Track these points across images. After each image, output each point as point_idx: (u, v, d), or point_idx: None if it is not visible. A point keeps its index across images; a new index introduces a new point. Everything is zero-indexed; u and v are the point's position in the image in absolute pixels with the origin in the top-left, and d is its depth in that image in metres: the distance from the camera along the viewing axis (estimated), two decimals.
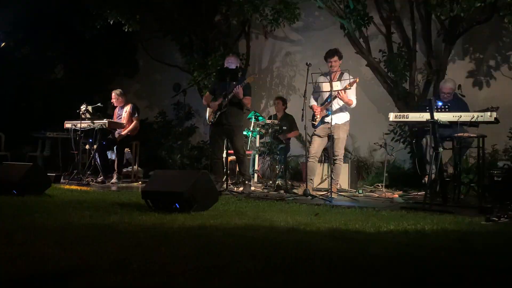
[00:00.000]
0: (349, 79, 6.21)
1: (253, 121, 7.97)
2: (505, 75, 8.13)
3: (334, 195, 5.99)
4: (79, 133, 7.87)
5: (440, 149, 5.04)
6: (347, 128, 6.49)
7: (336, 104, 6.37)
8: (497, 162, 6.70)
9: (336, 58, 6.42)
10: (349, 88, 6.17)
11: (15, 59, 10.85)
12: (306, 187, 6.22)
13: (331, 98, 6.24)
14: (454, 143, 5.61)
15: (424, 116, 5.28)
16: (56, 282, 2.04)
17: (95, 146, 7.88)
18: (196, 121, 11.57)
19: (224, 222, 3.70)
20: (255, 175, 7.91)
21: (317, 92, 6.53)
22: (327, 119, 6.35)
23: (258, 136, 8.01)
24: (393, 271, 2.29)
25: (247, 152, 7.67)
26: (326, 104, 6.41)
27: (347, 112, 6.46)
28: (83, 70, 11.78)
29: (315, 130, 6.59)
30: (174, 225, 3.54)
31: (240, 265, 2.37)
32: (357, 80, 6.22)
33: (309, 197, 5.93)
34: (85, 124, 7.82)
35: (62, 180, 7.68)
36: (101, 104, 8.24)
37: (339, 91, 6.18)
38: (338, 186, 6.77)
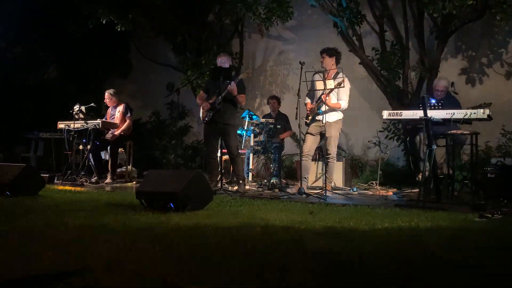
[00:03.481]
0: (343, 78, 6.21)
1: (247, 120, 7.97)
2: (498, 72, 8.17)
3: (328, 193, 6.00)
4: (72, 133, 7.85)
5: (434, 147, 5.05)
6: (339, 126, 6.48)
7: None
8: (491, 159, 6.73)
9: (324, 55, 6.41)
10: (342, 87, 6.15)
11: (7, 60, 10.79)
12: (301, 185, 6.23)
13: (321, 99, 6.25)
14: (447, 141, 5.63)
15: (418, 114, 5.30)
16: (51, 283, 2.03)
17: (88, 146, 7.85)
18: (190, 120, 11.55)
19: (218, 221, 3.69)
20: (250, 174, 7.91)
21: (311, 90, 6.52)
22: (319, 117, 6.36)
23: (252, 135, 8.01)
24: (387, 268, 2.30)
25: (241, 151, 7.67)
26: (318, 102, 6.41)
27: (339, 111, 6.45)
28: (76, 70, 11.73)
29: (307, 129, 6.59)
30: (169, 225, 3.53)
31: (235, 264, 2.37)
32: (345, 78, 6.18)
33: (304, 195, 5.93)
34: (78, 124, 7.79)
35: (55, 181, 7.65)
36: (94, 104, 8.22)
37: (323, 96, 6.17)
38: (332, 184, 6.78)
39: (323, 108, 6.28)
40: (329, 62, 6.39)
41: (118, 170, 8.63)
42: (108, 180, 7.89)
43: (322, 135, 6.42)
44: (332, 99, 6.30)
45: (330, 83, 6.20)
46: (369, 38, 8.72)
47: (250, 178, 7.88)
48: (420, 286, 2.07)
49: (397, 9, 8.46)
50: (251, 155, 7.87)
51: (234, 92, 6.43)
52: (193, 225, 3.48)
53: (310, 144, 6.52)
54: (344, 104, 6.32)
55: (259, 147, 7.55)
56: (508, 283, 2.16)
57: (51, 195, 5.52)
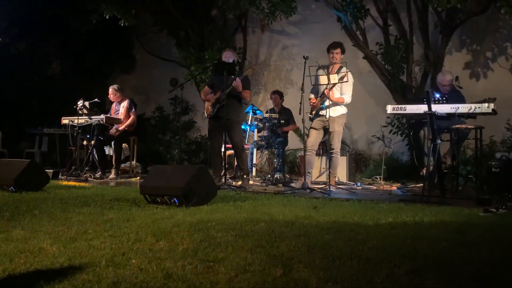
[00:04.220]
0: (346, 72, 6.19)
1: (250, 115, 7.97)
2: (502, 67, 8.12)
3: (332, 188, 6.00)
4: (76, 129, 7.87)
5: (438, 141, 5.04)
6: (343, 121, 6.46)
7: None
8: (495, 153, 6.70)
9: (339, 50, 6.39)
10: (346, 81, 6.13)
11: (10, 56, 10.82)
12: (305, 180, 6.22)
13: (324, 93, 6.23)
14: (451, 135, 5.61)
15: (422, 108, 5.28)
16: (55, 278, 2.04)
17: (92, 142, 7.86)
18: (194, 115, 11.55)
19: (222, 216, 3.70)
20: (254, 169, 7.91)
21: (315, 85, 6.51)
22: (323, 112, 6.34)
23: (256, 130, 8.01)
24: (392, 263, 2.30)
25: (245, 146, 7.67)
26: (321, 97, 6.39)
27: (342, 105, 6.43)
28: (79, 66, 11.74)
29: (311, 123, 6.58)
30: (173, 220, 3.54)
31: (239, 259, 2.37)
32: (348, 72, 6.15)
33: (308, 190, 5.93)
34: (82, 120, 7.81)
35: (60, 176, 7.67)
36: (98, 99, 8.23)
37: (325, 91, 6.15)
38: (336, 179, 6.77)
39: (327, 103, 6.26)
40: (340, 57, 6.40)
41: (122, 165, 8.65)
42: (112, 175, 7.91)
43: (326, 130, 6.41)
44: (335, 94, 6.28)
45: (334, 78, 6.19)
46: (373, 33, 8.68)
47: (254, 173, 7.89)
48: (424, 281, 2.07)
49: (401, 3, 8.41)
50: (254, 150, 7.88)
51: (238, 88, 6.42)
52: (197, 220, 3.48)
53: (314, 139, 6.51)
54: (347, 98, 6.30)
55: (262, 142, 7.55)
56: None
57: (55, 190, 5.54)
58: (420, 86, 8.17)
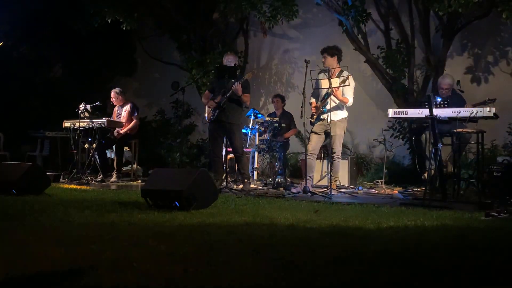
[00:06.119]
0: (347, 75, 6.19)
1: (252, 119, 7.97)
2: (504, 71, 8.12)
3: (333, 192, 5.99)
4: (78, 132, 7.87)
5: (440, 145, 5.03)
6: (344, 125, 6.45)
7: (333, 101, 6.31)
8: (497, 157, 6.69)
9: (325, 55, 6.36)
10: (348, 85, 6.14)
11: (13, 59, 10.83)
12: (306, 184, 6.22)
13: (328, 95, 6.22)
14: (453, 139, 5.60)
15: (423, 112, 5.28)
16: (56, 281, 2.04)
17: (94, 145, 7.87)
18: (195, 119, 11.55)
19: (224, 219, 3.70)
20: (255, 173, 7.91)
21: (316, 89, 6.51)
22: (324, 116, 6.34)
23: (257, 134, 8.01)
24: (393, 267, 2.30)
25: (246, 150, 7.67)
26: (323, 101, 6.39)
27: (344, 109, 6.42)
28: (81, 69, 11.75)
29: (312, 127, 6.57)
30: (174, 223, 3.54)
31: (240, 262, 2.37)
32: (350, 76, 6.15)
33: (309, 194, 5.93)
34: (84, 123, 7.81)
35: (61, 180, 7.67)
36: (100, 103, 8.23)
37: (334, 89, 6.14)
38: (338, 183, 6.77)
39: (328, 106, 6.26)
40: (331, 61, 6.36)
41: (124, 168, 8.64)
42: (113, 178, 7.90)
43: (327, 134, 6.40)
44: (338, 95, 6.27)
45: (335, 82, 6.18)
46: (375, 37, 8.69)
47: (255, 177, 7.88)
48: (426, 285, 2.07)
49: (402, 7, 8.43)
50: (256, 153, 7.88)
51: (238, 92, 6.43)
52: (198, 224, 3.48)
53: (315, 143, 6.50)
54: (351, 100, 6.31)
55: (264, 146, 7.55)
56: None
57: (57, 193, 5.54)
58: (422, 90, 8.18)
